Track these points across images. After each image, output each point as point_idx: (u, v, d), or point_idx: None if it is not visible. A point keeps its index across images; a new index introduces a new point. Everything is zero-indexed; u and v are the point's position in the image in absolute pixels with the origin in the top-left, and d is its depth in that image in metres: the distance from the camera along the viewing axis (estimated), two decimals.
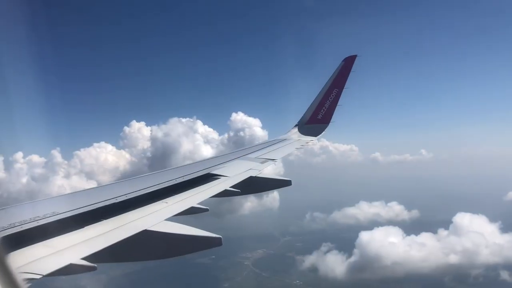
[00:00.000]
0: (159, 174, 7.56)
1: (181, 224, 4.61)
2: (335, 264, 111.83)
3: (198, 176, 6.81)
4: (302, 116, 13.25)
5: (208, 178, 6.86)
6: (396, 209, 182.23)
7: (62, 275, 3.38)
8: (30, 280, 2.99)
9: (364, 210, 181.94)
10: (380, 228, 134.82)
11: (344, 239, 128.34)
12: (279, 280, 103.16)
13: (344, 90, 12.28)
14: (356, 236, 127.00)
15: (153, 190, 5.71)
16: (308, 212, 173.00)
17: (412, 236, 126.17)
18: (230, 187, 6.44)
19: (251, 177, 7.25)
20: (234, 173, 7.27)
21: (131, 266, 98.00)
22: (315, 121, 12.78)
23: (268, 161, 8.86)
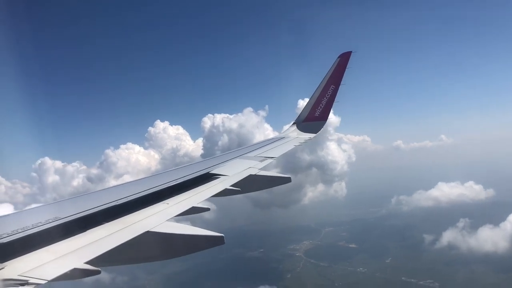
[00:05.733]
0: (159, 176, 7.58)
1: (183, 224, 4.64)
2: (493, 239, 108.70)
3: (198, 176, 6.83)
4: (300, 114, 13.27)
5: (208, 178, 6.88)
6: (475, 188, 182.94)
7: (67, 280, 3.40)
8: (36, 286, 3.01)
9: (445, 190, 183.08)
10: None
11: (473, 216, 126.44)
12: (341, 268, 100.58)
13: (340, 86, 12.29)
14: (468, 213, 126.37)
15: (153, 191, 5.72)
16: (394, 196, 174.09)
17: None
18: (230, 186, 6.46)
19: (250, 175, 7.27)
20: (233, 172, 7.29)
21: (180, 264, 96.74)
22: (312, 119, 12.80)
23: (267, 159, 8.88)
